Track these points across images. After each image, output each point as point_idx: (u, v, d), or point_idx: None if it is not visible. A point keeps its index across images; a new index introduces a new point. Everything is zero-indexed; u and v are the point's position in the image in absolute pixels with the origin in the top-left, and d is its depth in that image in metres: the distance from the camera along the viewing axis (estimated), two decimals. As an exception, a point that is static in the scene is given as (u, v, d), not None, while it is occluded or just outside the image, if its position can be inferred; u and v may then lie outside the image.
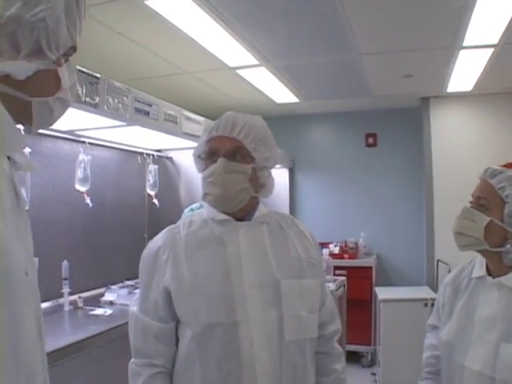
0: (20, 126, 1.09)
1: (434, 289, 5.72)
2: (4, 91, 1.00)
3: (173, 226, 1.84)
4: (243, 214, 1.76)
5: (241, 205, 1.74)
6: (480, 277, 1.97)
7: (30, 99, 1.04)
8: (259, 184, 1.78)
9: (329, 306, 1.89)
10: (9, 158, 1.02)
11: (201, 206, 3.46)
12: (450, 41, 4.17)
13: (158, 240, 1.78)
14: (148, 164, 4.48)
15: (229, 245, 1.70)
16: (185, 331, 1.68)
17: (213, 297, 1.63)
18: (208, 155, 1.75)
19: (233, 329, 1.61)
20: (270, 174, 1.82)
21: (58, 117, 1.15)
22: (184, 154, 4.75)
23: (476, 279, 1.99)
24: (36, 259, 1.11)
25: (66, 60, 1.12)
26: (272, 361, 1.61)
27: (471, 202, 1.98)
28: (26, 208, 2.91)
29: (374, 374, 5.69)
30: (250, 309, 1.62)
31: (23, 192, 2.96)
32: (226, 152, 1.71)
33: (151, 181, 4.41)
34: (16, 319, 0.89)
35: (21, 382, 0.89)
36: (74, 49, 1.14)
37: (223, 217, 1.74)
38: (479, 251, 1.96)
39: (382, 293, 5.63)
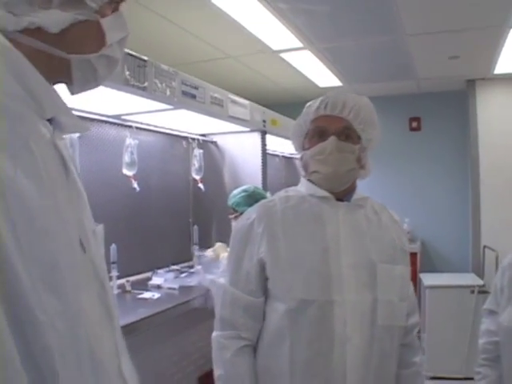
0: (61, 86, 0.96)
1: (481, 275, 5.62)
2: (36, 47, 0.87)
3: (266, 200, 1.85)
4: (343, 194, 1.75)
5: (347, 184, 1.74)
6: (541, 260, 1.92)
7: (68, 57, 0.91)
8: (360, 165, 1.77)
9: (412, 297, 1.86)
10: (50, 121, 0.91)
11: (256, 188, 3.45)
12: (500, 19, 4.04)
13: (252, 213, 1.78)
14: (193, 148, 4.48)
15: (328, 223, 1.69)
16: (277, 306, 1.67)
17: (310, 273, 1.63)
18: (315, 133, 1.74)
19: (327, 307, 1.60)
20: (368, 155, 1.81)
21: (105, 77, 1.00)
22: (228, 138, 4.74)
23: (537, 262, 1.94)
24: (101, 226, 1.04)
25: (114, 10, 0.98)
26: (363, 343, 1.60)
27: None
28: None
29: (418, 362, 5.61)
30: (346, 289, 1.61)
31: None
32: (336, 131, 1.70)
33: (196, 165, 4.40)
34: (71, 310, 0.82)
35: (86, 375, 0.84)
36: None
37: (324, 193, 1.73)
38: None
39: (427, 279, 5.56)
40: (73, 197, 0.93)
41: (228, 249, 3.63)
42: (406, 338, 1.81)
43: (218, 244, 3.79)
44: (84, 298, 0.86)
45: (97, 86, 1.02)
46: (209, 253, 3.83)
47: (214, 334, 1.77)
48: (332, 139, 1.68)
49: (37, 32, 0.86)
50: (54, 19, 0.86)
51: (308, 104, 1.80)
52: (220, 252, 3.66)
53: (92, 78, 0.98)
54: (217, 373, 1.73)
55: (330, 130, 1.70)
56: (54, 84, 0.93)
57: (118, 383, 0.95)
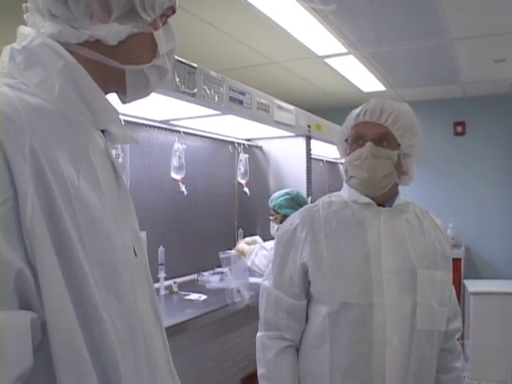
0: (113, 95, 1.03)
1: (527, 283, 5.54)
2: (94, 59, 0.93)
3: (311, 205, 1.89)
4: (384, 199, 1.78)
5: (384, 189, 1.76)
6: None
7: (123, 67, 0.97)
8: (402, 171, 1.80)
9: (454, 303, 1.88)
10: (103, 131, 0.98)
11: (298, 192, 3.49)
12: (548, 22, 3.99)
13: (296, 218, 1.83)
14: (239, 153, 4.53)
15: (369, 228, 1.73)
16: (319, 309, 1.72)
17: (351, 277, 1.67)
18: (354, 140, 1.78)
19: (367, 311, 1.63)
20: (412, 161, 1.83)
21: (155, 86, 1.06)
22: (273, 143, 4.78)
23: None
24: (144, 233, 1.10)
25: (164, 22, 1.03)
26: (402, 347, 1.63)
27: None
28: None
29: (462, 369, 5.54)
30: (386, 293, 1.64)
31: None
32: (373, 137, 1.73)
33: (242, 169, 4.44)
34: (129, 309, 0.88)
35: (143, 370, 0.90)
36: (172, 9, 1.04)
37: (366, 200, 1.76)
38: None
39: (471, 285, 5.49)
40: (124, 203, 1.00)
41: (249, 241, 3.70)
42: (447, 343, 1.83)
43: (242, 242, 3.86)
44: (139, 298, 0.93)
45: (148, 95, 1.08)
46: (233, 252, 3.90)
47: (259, 334, 1.83)
48: (368, 145, 1.71)
49: (95, 44, 0.93)
50: (113, 32, 0.93)
51: (353, 110, 1.84)
52: (244, 248, 3.73)
53: (144, 88, 1.04)
54: (260, 371, 1.79)
55: (368, 136, 1.74)
56: (108, 93, 1.00)
57: (168, 378, 1.02)
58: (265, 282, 1.87)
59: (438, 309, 1.71)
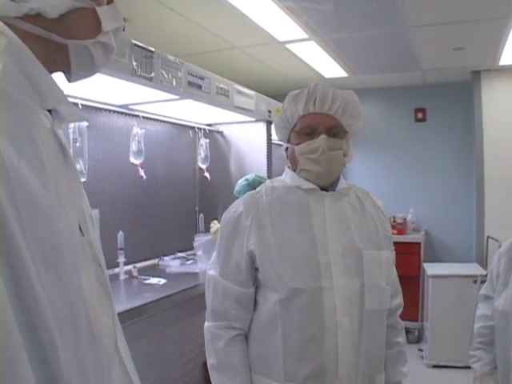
0: (59, 74, 1.01)
1: (484, 266, 5.65)
2: (36, 33, 0.91)
3: (253, 191, 1.86)
4: (328, 184, 1.79)
5: (334, 178, 1.79)
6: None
7: (66, 41, 0.95)
8: (344, 153, 1.79)
9: (395, 280, 1.92)
10: (50, 111, 0.96)
11: (256, 177, 3.51)
12: (505, 11, 4.04)
13: (240, 205, 1.80)
14: (199, 138, 4.53)
15: (314, 213, 1.73)
16: (268, 295, 1.71)
17: (298, 262, 1.67)
18: (304, 132, 1.76)
19: (317, 294, 1.64)
20: (350, 142, 1.84)
21: (101, 64, 1.05)
22: (234, 128, 4.79)
23: (532, 249, 1.98)
24: (96, 211, 1.07)
25: (110, 1, 1.03)
26: (352, 327, 1.65)
27: None
28: (84, 180, 2.86)
29: (420, 350, 5.67)
30: (335, 276, 1.66)
31: (81, 160, 3.04)
32: (326, 130, 1.73)
33: (203, 154, 4.45)
34: (70, 288, 0.87)
35: (84, 349, 0.89)
36: None
37: (310, 186, 1.76)
38: None
39: (430, 269, 5.60)
40: (71, 183, 0.98)
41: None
42: (390, 319, 1.87)
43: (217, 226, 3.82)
44: (83, 277, 0.91)
45: (93, 73, 1.07)
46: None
47: (206, 324, 1.82)
48: (323, 138, 1.71)
49: (36, 18, 0.90)
50: (53, 5, 0.91)
51: (293, 94, 1.81)
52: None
53: (89, 65, 1.03)
54: (210, 362, 1.77)
55: (320, 128, 1.73)
56: (52, 72, 0.97)
57: (114, 357, 1.00)
58: (210, 272, 1.83)
59: (385, 288, 1.75)
